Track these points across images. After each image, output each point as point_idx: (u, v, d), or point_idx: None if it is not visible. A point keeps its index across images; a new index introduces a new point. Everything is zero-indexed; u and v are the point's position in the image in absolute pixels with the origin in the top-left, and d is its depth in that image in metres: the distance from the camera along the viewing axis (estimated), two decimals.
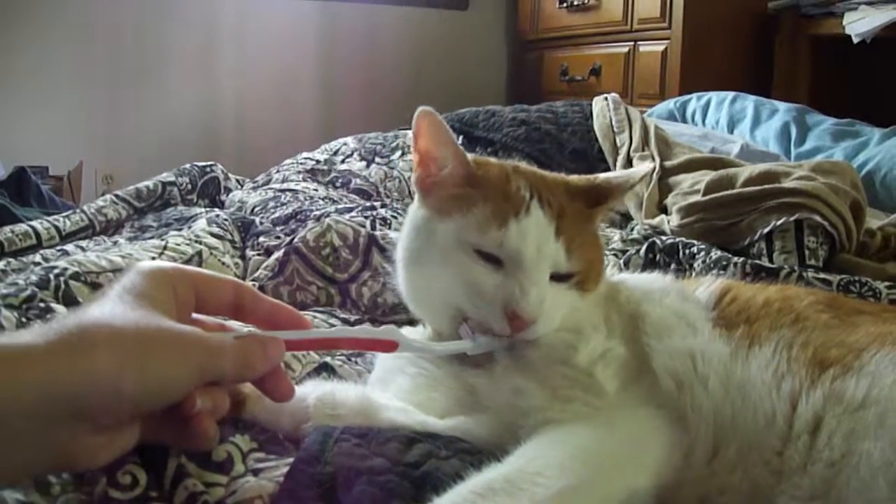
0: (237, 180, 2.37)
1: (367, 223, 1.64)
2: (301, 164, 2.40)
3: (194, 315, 0.86)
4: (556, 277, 1.01)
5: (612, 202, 1.11)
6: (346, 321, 1.41)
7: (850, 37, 3.28)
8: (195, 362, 0.76)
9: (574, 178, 1.14)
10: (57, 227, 1.72)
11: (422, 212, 1.10)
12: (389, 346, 0.90)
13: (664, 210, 2.00)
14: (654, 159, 2.24)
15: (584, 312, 1.03)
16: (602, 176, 1.13)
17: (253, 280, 1.53)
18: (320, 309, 1.47)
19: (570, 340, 0.98)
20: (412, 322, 1.17)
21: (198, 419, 0.78)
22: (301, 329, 0.91)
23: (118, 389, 0.69)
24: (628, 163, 2.30)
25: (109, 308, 0.74)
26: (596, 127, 2.52)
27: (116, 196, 1.95)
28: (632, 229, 1.81)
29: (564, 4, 4.73)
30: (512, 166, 1.14)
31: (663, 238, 1.65)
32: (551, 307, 0.99)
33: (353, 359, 1.19)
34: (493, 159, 1.16)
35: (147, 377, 0.71)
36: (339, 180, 2.29)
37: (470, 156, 1.11)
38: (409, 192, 2.28)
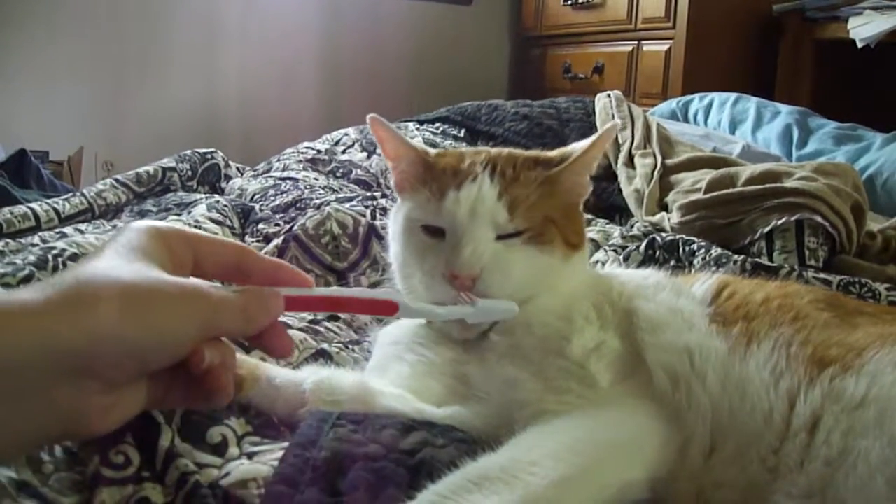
0: (237, 168, 2.36)
1: (368, 212, 1.64)
2: (302, 153, 2.40)
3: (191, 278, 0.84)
4: (506, 236, 1.05)
5: (578, 155, 1.11)
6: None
7: (854, 41, 3.28)
8: (200, 315, 0.74)
9: (552, 151, 1.17)
10: (56, 210, 1.72)
11: (397, 209, 1.17)
12: (389, 309, 0.87)
13: (665, 208, 2.00)
14: (655, 157, 2.23)
15: (570, 297, 1.05)
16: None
17: None
18: None
19: (564, 331, 0.99)
20: None
21: (214, 374, 0.76)
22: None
23: (123, 342, 0.68)
24: (630, 160, 2.30)
25: (108, 262, 0.72)
26: (598, 123, 2.52)
27: (116, 180, 1.95)
28: (632, 226, 1.81)
29: (569, 2, 4.73)
30: (480, 150, 1.19)
31: (663, 235, 1.65)
32: (498, 262, 1.02)
33: (350, 346, 1.19)
34: (469, 149, 1.20)
35: (152, 329, 0.70)
36: (340, 170, 2.29)
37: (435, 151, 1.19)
38: None
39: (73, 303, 0.67)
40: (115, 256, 0.74)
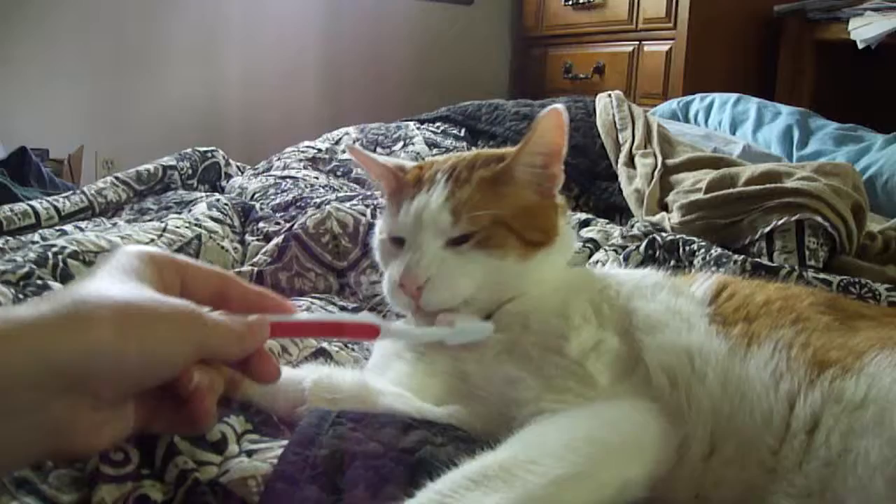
0: (238, 166, 2.36)
1: (368, 212, 1.64)
2: (302, 152, 2.40)
3: None
4: (455, 241, 1.07)
5: (519, 148, 1.12)
6: (343, 309, 1.41)
7: (854, 42, 3.28)
8: (194, 335, 0.75)
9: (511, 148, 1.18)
10: (56, 208, 1.72)
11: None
12: (371, 332, 0.89)
13: (665, 208, 2.00)
14: (656, 157, 2.23)
15: (564, 294, 1.07)
16: None
17: (252, 265, 1.53)
18: (318, 296, 1.47)
19: (562, 329, 0.99)
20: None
21: (199, 397, 0.77)
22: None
23: (118, 359, 0.68)
24: (630, 160, 2.30)
25: (102, 283, 0.73)
26: (599, 123, 2.52)
27: (117, 178, 1.95)
28: (632, 226, 1.80)
29: (570, 2, 4.73)
30: (453, 157, 1.21)
31: (664, 235, 1.64)
32: (443, 270, 1.05)
33: (350, 345, 1.19)
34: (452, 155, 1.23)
35: (147, 347, 0.70)
36: (340, 169, 2.29)
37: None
38: None
39: (68, 319, 0.67)
40: (109, 277, 0.75)
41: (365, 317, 0.92)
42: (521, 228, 1.09)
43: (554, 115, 1.10)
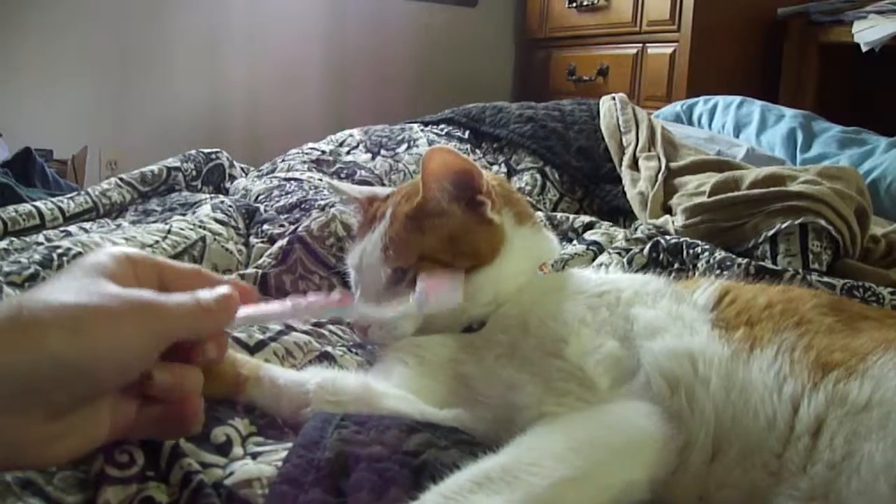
0: (242, 168, 2.36)
1: None
2: (306, 154, 2.40)
3: None
4: (393, 280, 1.13)
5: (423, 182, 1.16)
6: None
7: (858, 45, 3.28)
8: (148, 326, 0.73)
9: None
10: (61, 209, 1.72)
11: None
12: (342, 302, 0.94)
13: (669, 210, 2.00)
14: (659, 160, 2.24)
15: (559, 297, 1.09)
16: None
17: (256, 267, 1.53)
18: None
19: (561, 332, 1.00)
20: None
21: (173, 397, 0.78)
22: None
23: (65, 363, 0.67)
24: (634, 163, 2.30)
25: (54, 286, 0.72)
26: (602, 126, 2.52)
27: (121, 179, 1.95)
28: (636, 229, 1.80)
29: (574, 4, 4.73)
30: (404, 186, 1.28)
31: (667, 238, 1.65)
32: (384, 313, 1.09)
33: (354, 349, 1.20)
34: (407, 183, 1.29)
35: (96, 348, 0.69)
36: (344, 171, 2.29)
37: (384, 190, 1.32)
38: None
39: (11, 327, 0.66)
40: (64, 279, 0.74)
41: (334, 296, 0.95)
42: (449, 258, 1.12)
43: (434, 152, 1.14)
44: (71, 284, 0.73)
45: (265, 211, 1.81)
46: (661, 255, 1.59)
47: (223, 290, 0.82)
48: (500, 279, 1.14)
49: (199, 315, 0.78)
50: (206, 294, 0.80)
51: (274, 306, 0.90)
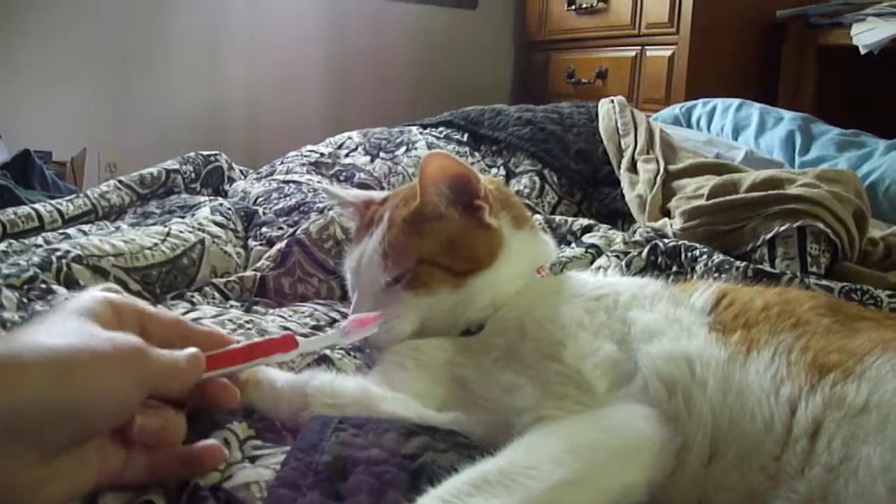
0: (241, 171, 2.37)
1: None
2: (305, 156, 2.40)
3: None
4: (391, 283, 1.14)
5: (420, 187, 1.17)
6: (346, 315, 1.41)
7: (857, 48, 3.28)
8: (135, 369, 0.74)
9: None
10: (60, 211, 1.73)
11: None
12: (290, 344, 0.95)
13: (667, 214, 2.00)
14: (658, 163, 2.24)
15: (565, 308, 1.07)
16: None
17: (255, 270, 1.53)
18: (321, 302, 1.47)
19: (558, 335, 1.00)
20: None
21: (155, 442, 0.79)
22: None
23: (51, 405, 0.67)
24: (632, 165, 2.30)
25: (40, 328, 0.73)
26: (601, 129, 2.52)
27: (120, 182, 1.95)
28: (634, 232, 1.81)
29: (573, 7, 4.73)
30: (402, 190, 1.29)
31: (666, 241, 1.65)
32: (385, 315, 1.10)
33: (352, 353, 1.20)
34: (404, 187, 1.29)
35: (83, 390, 0.69)
36: (343, 174, 2.29)
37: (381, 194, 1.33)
38: None
39: (1, 368, 0.66)
40: (51, 321, 0.74)
41: (282, 333, 1.01)
42: (448, 262, 1.14)
43: (431, 157, 1.15)
44: (56, 327, 0.73)
45: (264, 213, 1.81)
46: (660, 259, 1.60)
47: (191, 350, 0.83)
48: (497, 283, 1.15)
49: (175, 372, 0.80)
50: (180, 353, 0.81)
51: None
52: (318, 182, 2.12)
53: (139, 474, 0.79)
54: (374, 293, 1.15)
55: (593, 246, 1.71)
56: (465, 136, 2.62)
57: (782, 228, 1.65)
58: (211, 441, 0.85)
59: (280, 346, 0.95)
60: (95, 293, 0.82)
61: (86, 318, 0.76)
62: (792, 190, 1.73)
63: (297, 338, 0.96)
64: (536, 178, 2.36)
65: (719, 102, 3.21)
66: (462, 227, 1.16)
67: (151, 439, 0.79)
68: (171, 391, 0.81)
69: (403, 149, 2.47)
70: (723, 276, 1.47)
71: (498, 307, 1.14)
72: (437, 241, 1.15)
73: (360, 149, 2.48)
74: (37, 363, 0.67)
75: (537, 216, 1.97)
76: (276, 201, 1.91)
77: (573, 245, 1.77)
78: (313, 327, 1.28)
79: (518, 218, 1.24)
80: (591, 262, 1.65)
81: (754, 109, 3.06)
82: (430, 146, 2.48)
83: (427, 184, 1.15)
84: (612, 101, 2.63)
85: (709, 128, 3.16)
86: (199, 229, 1.60)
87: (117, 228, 1.68)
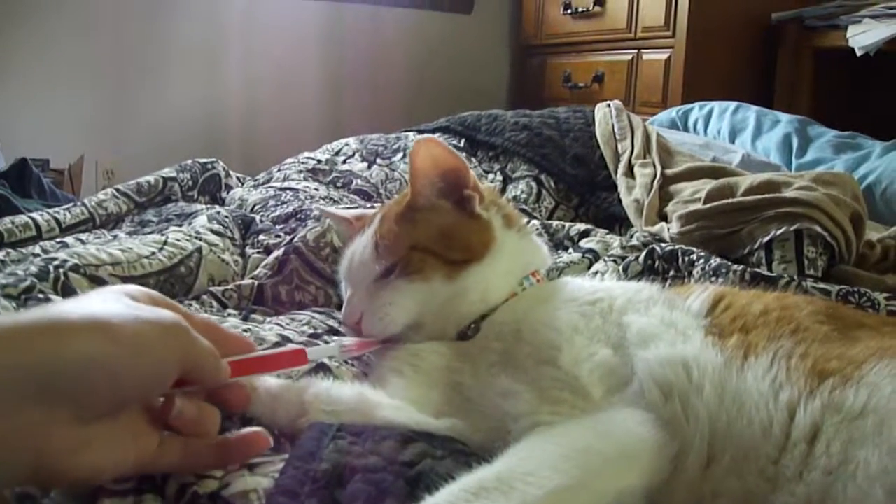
0: (238, 178, 2.36)
1: None
2: (302, 163, 2.40)
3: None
4: (383, 275, 1.15)
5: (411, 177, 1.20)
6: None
7: (853, 50, 3.29)
8: (177, 342, 0.76)
9: None
10: (57, 220, 1.73)
11: None
12: (300, 357, 0.99)
13: (664, 218, 2.00)
14: (655, 167, 2.24)
15: (560, 313, 1.07)
16: None
17: (252, 278, 1.53)
18: (319, 309, 1.47)
19: (554, 340, 1.00)
20: None
21: (192, 429, 0.80)
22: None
23: (91, 360, 0.68)
24: (629, 170, 2.30)
25: (79, 300, 0.75)
26: (598, 133, 2.52)
27: (117, 190, 1.95)
28: (631, 236, 1.80)
29: (569, 11, 4.74)
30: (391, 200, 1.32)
31: (663, 245, 1.65)
32: (375, 302, 1.13)
33: (349, 361, 1.20)
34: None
35: (124, 349, 0.70)
36: (341, 180, 2.29)
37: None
38: None
39: (44, 326, 0.67)
40: (91, 296, 0.76)
41: (294, 348, 1.03)
42: (441, 250, 1.15)
43: (420, 145, 1.16)
44: (96, 299, 0.75)
45: (261, 221, 1.81)
46: (657, 263, 1.59)
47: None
48: (488, 278, 1.15)
49: (213, 360, 0.82)
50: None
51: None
52: (316, 189, 2.12)
53: (174, 461, 0.81)
54: (366, 286, 1.16)
55: (590, 251, 1.71)
56: (462, 141, 2.62)
57: (779, 232, 1.65)
58: (252, 428, 0.87)
59: (292, 359, 0.98)
60: (129, 286, 0.84)
61: (126, 296, 0.78)
62: (789, 193, 1.72)
63: (308, 354, 0.98)
64: (533, 184, 2.36)
65: (716, 105, 3.22)
66: (454, 217, 1.18)
67: (189, 426, 0.81)
68: (205, 377, 0.82)
69: (400, 155, 2.47)
70: (720, 279, 1.47)
71: (489, 305, 1.14)
72: (429, 230, 1.16)
73: (357, 155, 2.48)
74: (80, 321, 0.69)
75: (534, 221, 1.97)
76: (273, 209, 1.91)
77: (570, 250, 1.77)
78: (311, 335, 1.28)
79: (508, 217, 1.25)
80: (589, 267, 1.65)
81: (751, 112, 3.07)
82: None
83: (417, 174, 1.16)
84: (609, 106, 2.63)
85: (705, 131, 3.17)
86: (196, 237, 1.60)
87: (115, 237, 1.68)
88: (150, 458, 0.78)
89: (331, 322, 1.39)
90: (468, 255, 1.15)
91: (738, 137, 3.01)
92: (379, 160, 2.45)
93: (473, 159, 2.53)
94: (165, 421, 0.78)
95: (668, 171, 2.21)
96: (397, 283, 1.13)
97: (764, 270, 1.58)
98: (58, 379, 0.66)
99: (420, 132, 2.71)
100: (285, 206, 1.90)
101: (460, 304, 1.14)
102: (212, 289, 1.50)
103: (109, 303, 0.74)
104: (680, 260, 1.58)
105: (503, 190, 2.37)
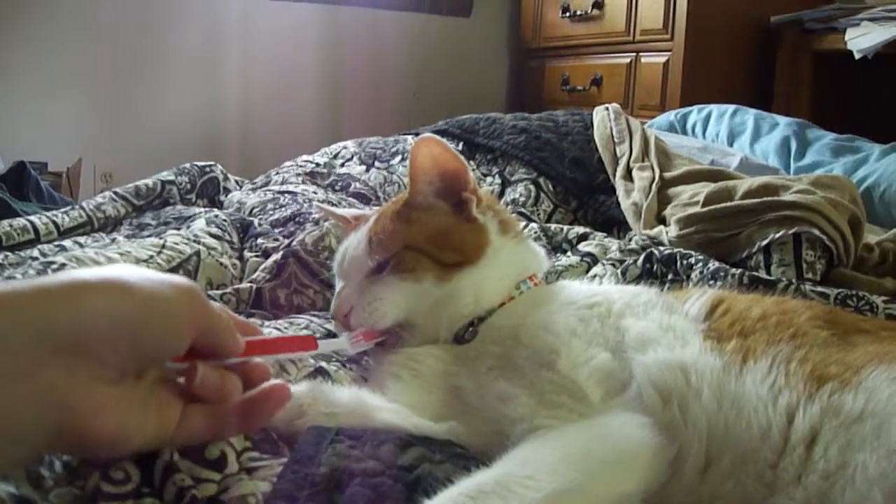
0: (236, 181, 2.36)
1: None
2: (300, 166, 2.40)
3: None
4: (375, 270, 1.16)
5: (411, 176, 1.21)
6: None
7: (851, 53, 3.29)
8: (194, 306, 0.77)
9: None
10: (55, 223, 1.72)
11: None
12: (311, 344, 0.99)
13: (663, 221, 2.00)
14: (653, 170, 2.24)
15: (558, 316, 1.07)
16: None
17: (250, 282, 1.53)
18: (317, 313, 1.47)
19: (553, 344, 1.00)
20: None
21: (213, 396, 0.81)
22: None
23: (112, 317, 0.70)
24: (628, 173, 2.30)
25: (100, 267, 0.76)
26: (596, 137, 2.52)
27: (115, 193, 1.95)
28: (630, 240, 1.80)
29: (567, 14, 4.74)
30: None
31: (661, 249, 1.65)
32: (362, 298, 1.14)
33: (348, 365, 1.20)
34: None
35: (144, 306, 0.72)
36: (339, 184, 2.29)
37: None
38: None
39: (59, 287, 0.69)
40: (107, 266, 0.78)
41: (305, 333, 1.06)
42: (435, 251, 1.15)
43: (421, 143, 1.17)
44: (111, 266, 0.80)
45: (259, 224, 1.81)
46: (655, 267, 1.59)
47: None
48: (481, 281, 1.16)
49: (227, 326, 0.83)
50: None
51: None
52: (314, 192, 2.12)
53: (199, 430, 0.82)
54: (357, 281, 1.17)
55: (589, 255, 1.71)
56: (461, 144, 2.62)
57: (778, 235, 1.65)
58: (271, 382, 0.88)
59: (302, 344, 0.99)
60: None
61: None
62: (787, 196, 1.72)
63: (318, 340, 0.99)
64: (532, 187, 2.36)
65: (714, 108, 3.22)
66: (450, 219, 1.19)
67: (213, 394, 0.82)
68: (220, 344, 0.83)
69: (399, 158, 2.47)
70: (718, 283, 1.47)
71: (482, 308, 1.14)
72: (424, 230, 1.16)
73: (355, 158, 2.48)
74: (97, 281, 0.71)
75: (533, 224, 1.97)
76: (271, 212, 1.90)
77: (569, 253, 1.77)
78: None
79: (505, 223, 1.25)
80: (587, 271, 1.65)
81: (749, 115, 3.07)
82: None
83: (418, 172, 1.17)
84: (607, 109, 2.63)
85: (704, 134, 3.17)
86: (194, 241, 1.60)
87: (113, 240, 1.68)
88: (173, 430, 0.79)
89: (329, 326, 1.38)
90: (461, 258, 1.15)
91: (736, 141, 3.01)
92: (377, 163, 2.45)
93: (472, 162, 2.53)
94: (190, 388, 0.80)
95: (667, 175, 2.21)
96: (389, 280, 1.13)
97: (762, 274, 1.57)
98: (77, 336, 0.67)
99: (418, 135, 2.71)
100: (283, 209, 1.90)
101: (451, 306, 1.14)
102: (210, 292, 1.50)
103: (129, 269, 0.75)
104: (678, 263, 1.58)
105: (501, 193, 2.37)
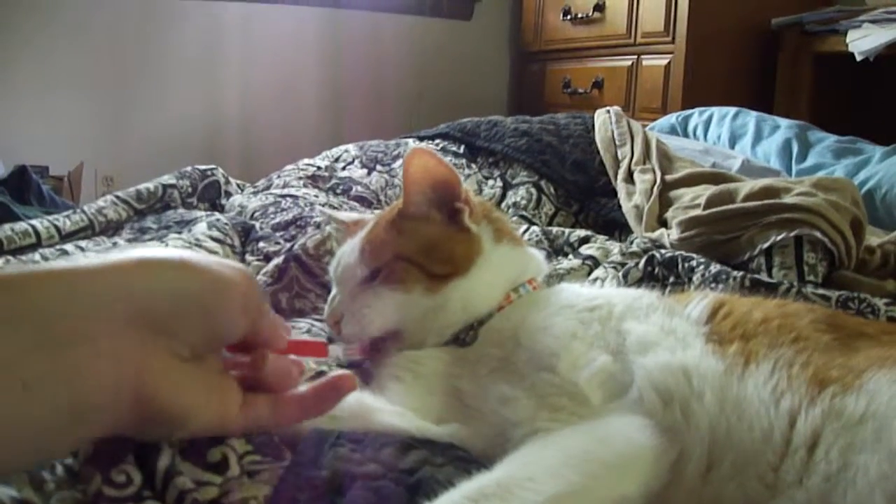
0: (238, 185, 2.36)
1: None
2: (302, 169, 2.39)
3: None
4: (367, 279, 1.17)
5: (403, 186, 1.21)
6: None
7: (853, 55, 3.29)
8: (251, 293, 0.79)
9: None
10: (57, 227, 1.72)
11: None
12: (320, 352, 1.02)
13: (664, 224, 2.00)
14: (654, 173, 2.24)
15: (557, 318, 1.07)
16: None
17: None
18: (318, 317, 1.47)
19: (552, 346, 1.00)
20: None
21: (278, 383, 0.84)
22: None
23: (183, 292, 0.72)
24: (629, 176, 2.30)
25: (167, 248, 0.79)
26: (597, 139, 2.52)
27: (117, 197, 1.95)
28: (631, 242, 1.80)
29: (568, 17, 4.74)
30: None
31: (662, 251, 1.65)
32: (352, 306, 1.16)
33: (350, 368, 1.19)
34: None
35: (208, 285, 0.74)
36: (340, 187, 2.29)
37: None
38: None
39: (130, 263, 0.71)
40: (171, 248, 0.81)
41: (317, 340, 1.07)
42: (425, 262, 1.15)
43: (414, 155, 1.17)
44: (163, 248, 0.79)
45: (261, 228, 1.80)
46: (657, 269, 1.59)
47: None
48: (471, 290, 1.16)
49: (279, 318, 0.87)
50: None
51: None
52: (315, 196, 2.12)
53: (262, 417, 0.84)
54: (350, 289, 1.18)
55: (590, 257, 1.71)
56: (462, 147, 2.62)
57: (779, 238, 1.65)
58: (338, 372, 0.91)
59: (314, 350, 1.02)
60: None
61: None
62: (788, 199, 1.72)
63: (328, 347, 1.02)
64: (533, 190, 2.36)
65: (715, 111, 3.22)
66: (441, 229, 1.19)
67: (280, 381, 0.84)
68: (270, 334, 0.85)
69: (400, 161, 2.46)
70: (720, 286, 1.47)
71: (471, 316, 1.14)
72: (415, 240, 1.16)
73: (356, 162, 2.48)
74: (165, 260, 0.74)
75: (534, 227, 1.97)
76: (272, 216, 1.90)
77: (570, 256, 1.77)
78: None
79: (499, 231, 1.25)
80: (589, 274, 1.65)
81: (751, 118, 3.07)
82: None
83: (410, 183, 1.17)
84: (609, 112, 2.63)
85: (705, 137, 3.17)
86: (196, 245, 1.60)
87: (114, 244, 1.68)
88: (235, 417, 0.81)
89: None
90: (451, 269, 1.15)
91: (737, 143, 3.01)
92: (378, 167, 2.45)
93: (473, 165, 2.53)
94: (258, 373, 0.81)
95: (668, 177, 2.21)
96: (379, 290, 1.14)
97: (764, 276, 1.57)
98: (151, 310, 0.69)
99: (420, 139, 2.71)
100: (285, 213, 1.90)
101: (441, 317, 1.14)
102: None
103: (185, 251, 0.78)
104: (680, 266, 1.58)
105: (503, 196, 2.37)
